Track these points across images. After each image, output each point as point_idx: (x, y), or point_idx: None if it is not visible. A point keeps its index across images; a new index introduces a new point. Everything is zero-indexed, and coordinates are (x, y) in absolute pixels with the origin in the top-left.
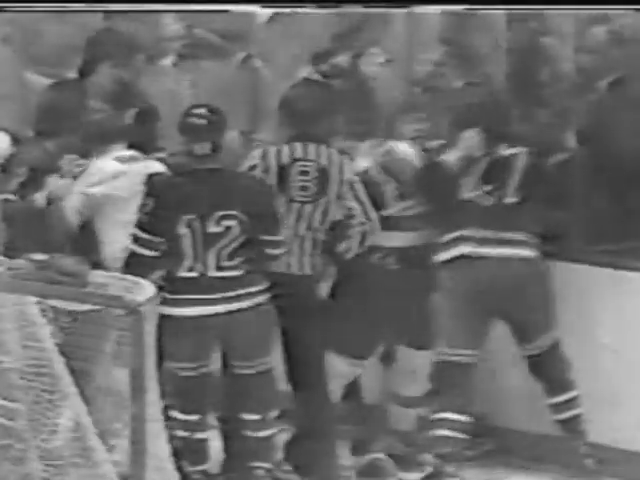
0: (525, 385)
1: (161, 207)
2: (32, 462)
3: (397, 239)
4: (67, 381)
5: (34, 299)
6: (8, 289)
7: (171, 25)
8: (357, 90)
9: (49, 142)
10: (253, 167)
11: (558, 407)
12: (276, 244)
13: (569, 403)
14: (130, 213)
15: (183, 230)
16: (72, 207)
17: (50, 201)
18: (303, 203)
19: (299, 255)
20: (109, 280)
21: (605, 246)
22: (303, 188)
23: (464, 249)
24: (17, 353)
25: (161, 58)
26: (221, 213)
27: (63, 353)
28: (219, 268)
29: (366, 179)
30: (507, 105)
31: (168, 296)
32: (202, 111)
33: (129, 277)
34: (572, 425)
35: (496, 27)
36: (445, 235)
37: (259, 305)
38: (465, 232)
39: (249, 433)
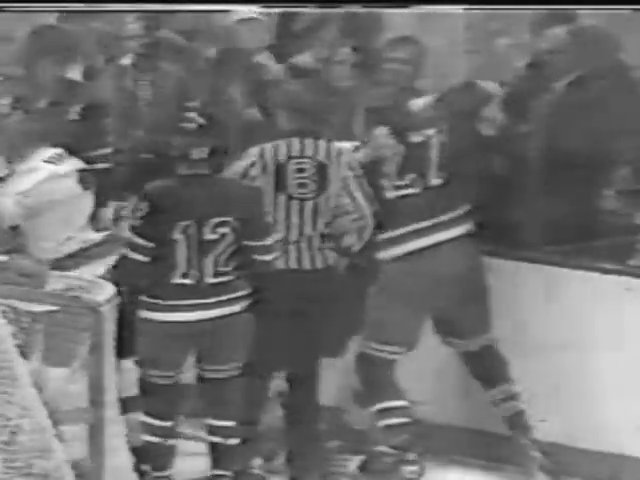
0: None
1: (156, 212)
2: None
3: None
4: (26, 382)
5: None
6: None
7: (131, 24)
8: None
9: None
10: (252, 165)
11: (499, 402)
12: (266, 249)
13: (509, 398)
14: (67, 211)
15: (178, 236)
16: (6, 213)
17: None
18: (302, 200)
19: (308, 251)
20: (68, 280)
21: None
22: (301, 185)
23: (410, 245)
24: None
25: (121, 57)
26: (217, 220)
27: (23, 354)
28: (216, 274)
29: None
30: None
31: (160, 302)
32: (194, 115)
33: (87, 277)
34: (514, 420)
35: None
36: (387, 232)
37: (244, 310)
38: (405, 229)
39: (220, 440)
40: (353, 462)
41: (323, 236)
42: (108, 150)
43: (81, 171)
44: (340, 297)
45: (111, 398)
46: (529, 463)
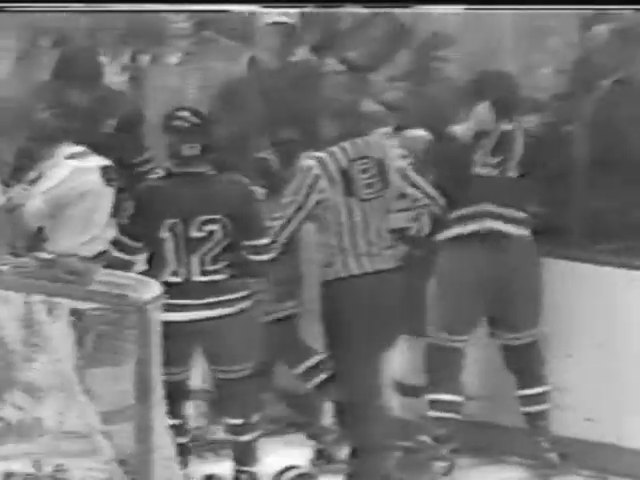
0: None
1: (142, 211)
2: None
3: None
4: (74, 380)
5: (40, 297)
6: (13, 288)
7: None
8: None
9: None
10: (317, 178)
11: (528, 400)
12: (260, 249)
13: (539, 397)
14: (90, 207)
15: (165, 234)
16: (33, 211)
17: (10, 208)
18: (371, 200)
19: (381, 252)
20: (115, 278)
21: (605, 245)
22: (369, 185)
23: (486, 223)
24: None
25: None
26: (204, 218)
27: (70, 352)
28: (203, 272)
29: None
30: (515, 79)
31: None
32: (186, 114)
33: (135, 275)
34: (537, 419)
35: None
36: (460, 210)
37: (242, 311)
38: (481, 207)
39: (231, 437)
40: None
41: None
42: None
43: (104, 167)
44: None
45: (158, 396)
46: (545, 461)
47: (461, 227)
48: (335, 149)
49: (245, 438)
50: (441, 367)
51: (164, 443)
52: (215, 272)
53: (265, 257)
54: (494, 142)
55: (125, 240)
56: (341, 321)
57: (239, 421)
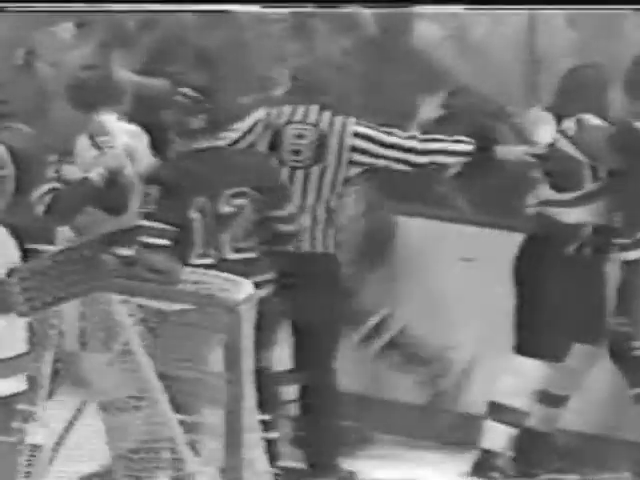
0: None
1: (168, 193)
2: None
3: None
4: (156, 386)
5: (120, 298)
6: (93, 286)
7: None
8: None
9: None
10: (255, 125)
11: None
12: (288, 219)
13: None
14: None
15: (194, 214)
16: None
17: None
18: (294, 168)
19: (310, 230)
20: (203, 277)
21: None
22: (296, 152)
23: None
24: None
25: None
26: (231, 191)
27: (152, 356)
28: (237, 250)
29: (557, 154)
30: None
31: None
32: (186, 90)
33: (225, 275)
34: None
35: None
36: None
37: (271, 294)
38: None
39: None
40: None
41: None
42: None
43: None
44: None
45: (250, 405)
46: None
47: None
48: (286, 107)
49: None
50: None
51: (255, 456)
52: (248, 249)
53: (294, 228)
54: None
55: (158, 225)
56: None
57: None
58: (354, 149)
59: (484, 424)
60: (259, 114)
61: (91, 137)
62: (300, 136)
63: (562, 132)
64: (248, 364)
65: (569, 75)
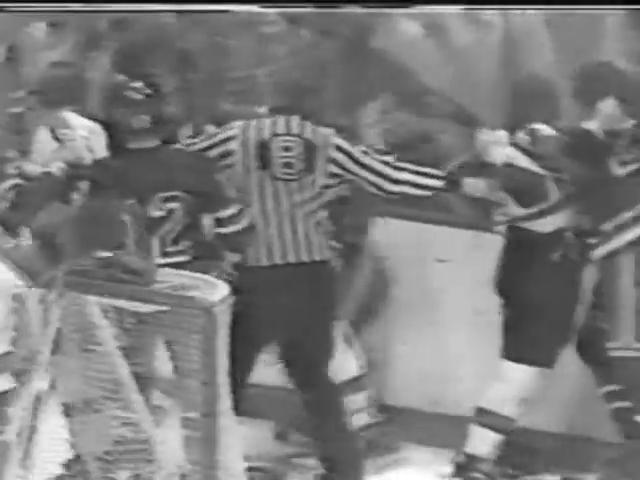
0: None
1: (98, 193)
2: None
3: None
4: (131, 388)
5: (94, 298)
6: (68, 287)
7: None
8: None
9: None
10: (230, 138)
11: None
12: (228, 220)
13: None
14: None
15: (125, 217)
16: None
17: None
18: (287, 181)
19: (292, 239)
20: (178, 278)
21: None
22: (287, 165)
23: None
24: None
25: None
26: (163, 195)
27: (127, 357)
28: (164, 254)
29: (515, 172)
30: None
31: None
32: (140, 85)
33: (200, 275)
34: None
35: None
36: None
37: None
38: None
39: None
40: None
41: (312, 223)
42: None
43: None
44: None
45: (225, 406)
46: None
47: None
48: (266, 119)
49: None
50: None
51: (231, 458)
52: (177, 253)
53: (235, 228)
54: (627, 142)
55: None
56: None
57: None
58: (334, 161)
59: (470, 428)
60: (235, 130)
61: (52, 130)
62: (287, 149)
63: (516, 145)
64: (223, 365)
65: (521, 84)
